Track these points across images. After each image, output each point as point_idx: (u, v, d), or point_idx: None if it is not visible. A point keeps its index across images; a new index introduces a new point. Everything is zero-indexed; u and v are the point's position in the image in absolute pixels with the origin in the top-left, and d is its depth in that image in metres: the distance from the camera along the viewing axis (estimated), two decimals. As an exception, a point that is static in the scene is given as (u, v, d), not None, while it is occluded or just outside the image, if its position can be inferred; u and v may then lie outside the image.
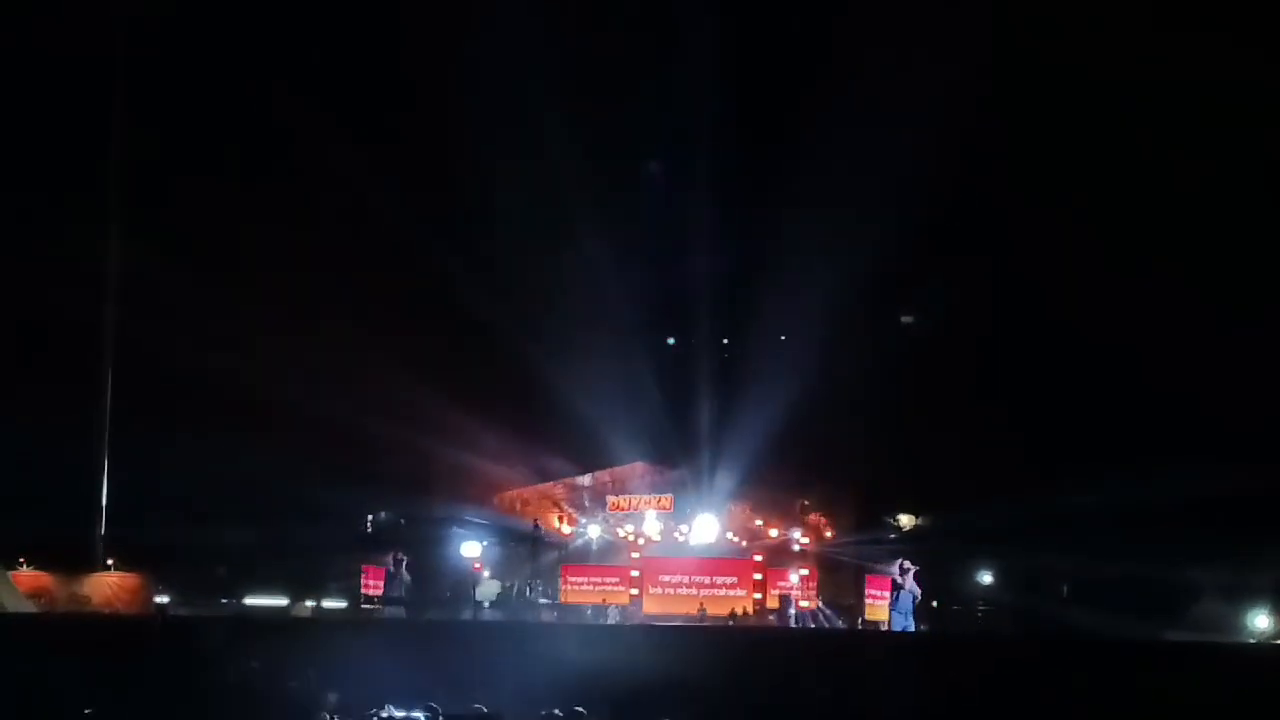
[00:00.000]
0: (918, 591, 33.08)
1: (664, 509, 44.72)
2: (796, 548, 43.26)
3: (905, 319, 48.38)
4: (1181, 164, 38.73)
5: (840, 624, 39.99)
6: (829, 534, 43.77)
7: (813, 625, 39.56)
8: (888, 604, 34.51)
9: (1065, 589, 38.51)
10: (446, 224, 43.51)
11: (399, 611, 37.41)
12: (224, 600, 40.10)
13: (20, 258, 39.41)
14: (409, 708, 17.46)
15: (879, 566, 37.79)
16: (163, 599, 38.80)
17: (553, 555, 44.84)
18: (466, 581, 41.54)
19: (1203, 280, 38.97)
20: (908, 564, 33.38)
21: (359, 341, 42.52)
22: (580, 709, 17.34)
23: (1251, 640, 32.04)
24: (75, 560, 38.75)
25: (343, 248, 43.49)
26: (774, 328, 43.65)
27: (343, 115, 41.89)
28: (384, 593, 38.46)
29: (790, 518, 44.29)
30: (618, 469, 46.47)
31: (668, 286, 46.07)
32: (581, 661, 19.80)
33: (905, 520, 44.95)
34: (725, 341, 47.95)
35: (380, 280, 43.98)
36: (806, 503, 44.45)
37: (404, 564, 38.73)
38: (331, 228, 43.97)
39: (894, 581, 33.63)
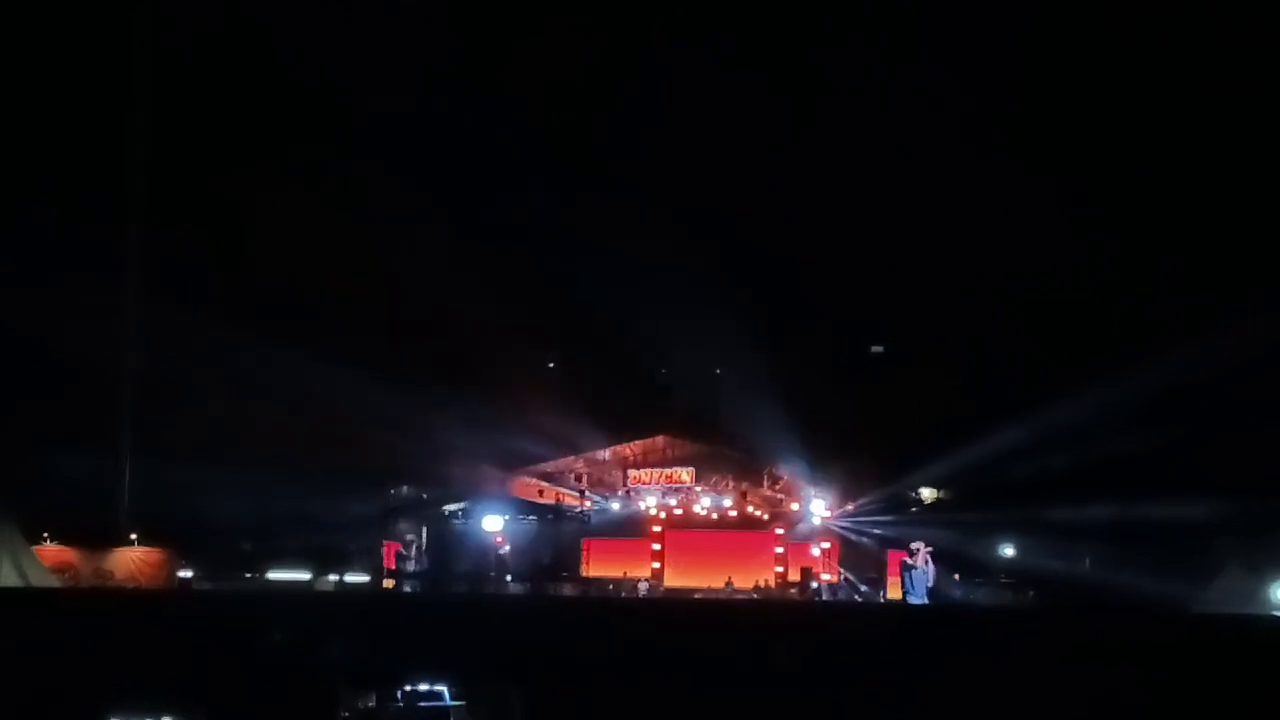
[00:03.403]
0: (930, 571, 33.02)
1: (685, 483, 44.74)
2: (818, 520, 43.23)
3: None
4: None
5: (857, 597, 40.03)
6: (851, 507, 43.76)
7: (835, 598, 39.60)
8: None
9: (1087, 561, 38.44)
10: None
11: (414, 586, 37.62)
12: (247, 575, 40.25)
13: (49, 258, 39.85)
14: (431, 683, 17.50)
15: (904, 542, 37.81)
16: (186, 574, 39.02)
17: (574, 529, 44.96)
18: (489, 555, 41.74)
19: (1220, 246, 39.04)
20: (917, 545, 33.40)
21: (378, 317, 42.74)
22: None
23: (1275, 613, 31.94)
24: (99, 535, 38.92)
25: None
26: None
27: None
28: (397, 569, 38.66)
29: (812, 490, 44.27)
30: (639, 442, 46.47)
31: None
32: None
33: (927, 493, 44.90)
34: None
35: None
36: (829, 476, 44.40)
37: (414, 545, 38.96)
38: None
39: (904, 563, 33.66)
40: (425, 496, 46.31)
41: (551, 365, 46.95)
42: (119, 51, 41.74)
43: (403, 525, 43.66)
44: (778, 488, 44.99)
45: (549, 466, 46.86)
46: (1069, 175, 39.88)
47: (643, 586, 41.12)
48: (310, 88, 41.46)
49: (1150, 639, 19.00)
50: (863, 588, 40.77)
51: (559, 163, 43.86)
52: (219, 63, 42.32)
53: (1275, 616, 31.00)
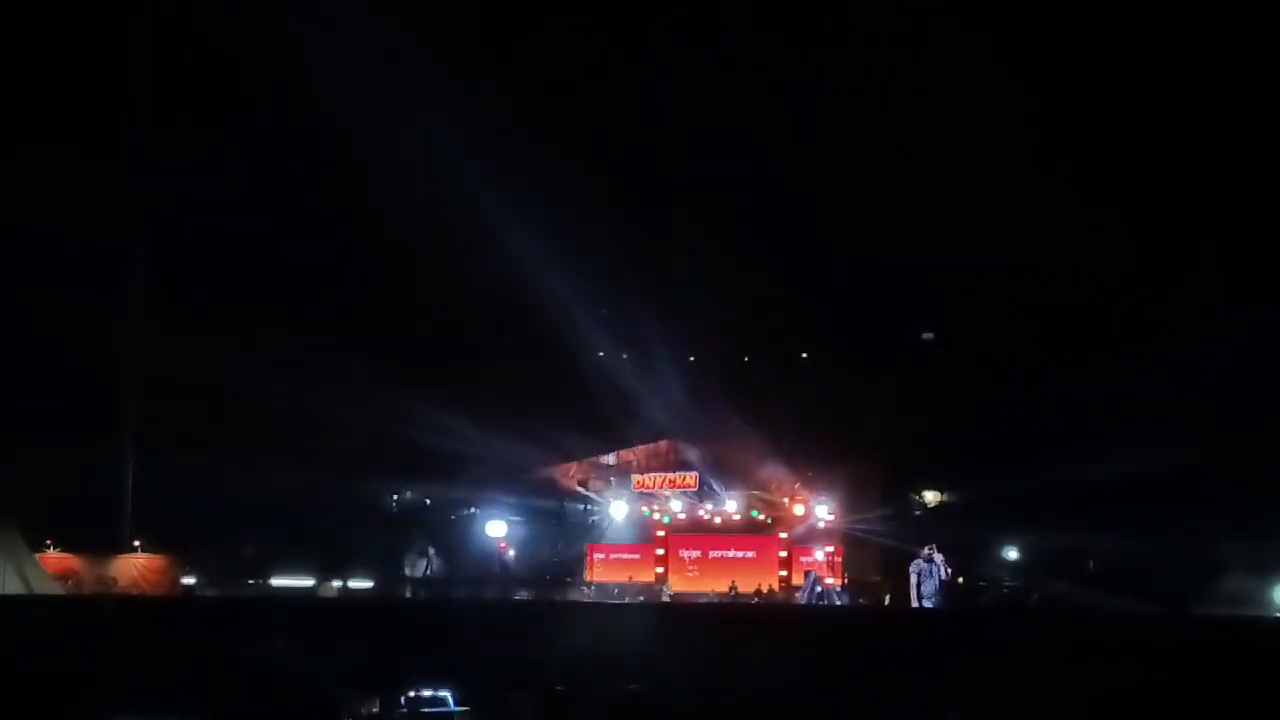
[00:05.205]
0: (945, 574, 32.81)
1: (689, 487, 44.69)
2: (821, 524, 43.15)
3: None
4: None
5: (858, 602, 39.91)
6: (855, 511, 43.68)
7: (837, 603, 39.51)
8: (912, 589, 34.41)
9: (1091, 564, 38.40)
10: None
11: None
12: (250, 581, 40.25)
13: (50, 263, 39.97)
14: (435, 688, 17.49)
15: (909, 549, 37.69)
16: (190, 580, 39.04)
17: (578, 534, 44.96)
18: (493, 560, 41.74)
19: (1228, 251, 38.92)
20: (929, 550, 33.26)
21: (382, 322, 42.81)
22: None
23: (1278, 614, 31.94)
24: (102, 542, 38.95)
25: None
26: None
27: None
28: (400, 574, 38.74)
29: (816, 494, 44.17)
30: (642, 447, 46.41)
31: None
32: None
33: (931, 497, 44.84)
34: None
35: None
36: (832, 479, 44.31)
37: (417, 550, 39.07)
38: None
39: (918, 568, 33.50)
40: (429, 501, 46.31)
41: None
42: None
43: (406, 530, 43.66)
44: (782, 491, 44.90)
45: (553, 471, 46.78)
46: (1066, 176, 39.88)
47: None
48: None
49: (1153, 640, 19.00)
50: (854, 599, 40.59)
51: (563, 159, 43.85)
52: (214, 61, 42.37)
53: (1278, 618, 30.98)
